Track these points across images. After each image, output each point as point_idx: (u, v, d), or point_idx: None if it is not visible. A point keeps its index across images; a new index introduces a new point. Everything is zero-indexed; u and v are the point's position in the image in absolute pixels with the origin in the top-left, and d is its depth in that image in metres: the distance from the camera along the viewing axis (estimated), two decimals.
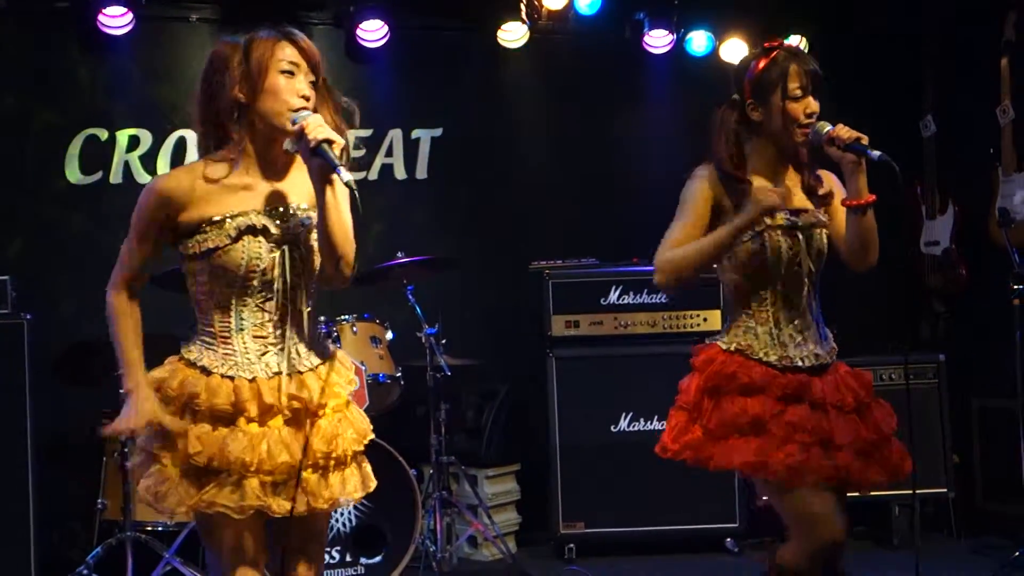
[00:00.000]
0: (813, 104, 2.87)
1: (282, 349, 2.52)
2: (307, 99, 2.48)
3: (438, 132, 5.79)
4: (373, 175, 5.64)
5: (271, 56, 2.47)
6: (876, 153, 2.78)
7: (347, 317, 4.75)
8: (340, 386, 2.58)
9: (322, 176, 2.40)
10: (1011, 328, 4.73)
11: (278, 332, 2.53)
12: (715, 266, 2.98)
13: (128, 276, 2.55)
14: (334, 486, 2.51)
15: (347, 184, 2.35)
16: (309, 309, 2.58)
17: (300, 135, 2.41)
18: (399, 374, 4.83)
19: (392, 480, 4.49)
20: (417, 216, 5.72)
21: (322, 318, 4.72)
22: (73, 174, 5.24)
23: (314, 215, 2.51)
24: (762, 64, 2.89)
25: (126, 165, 5.28)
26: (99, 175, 5.28)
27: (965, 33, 5.69)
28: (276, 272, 2.50)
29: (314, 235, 2.52)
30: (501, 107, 5.92)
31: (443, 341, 4.89)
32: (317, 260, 2.55)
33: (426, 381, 4.86)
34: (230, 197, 2.50)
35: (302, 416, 2.50)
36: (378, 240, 5.41)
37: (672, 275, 2.87)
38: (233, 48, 2.50)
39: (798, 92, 2.86)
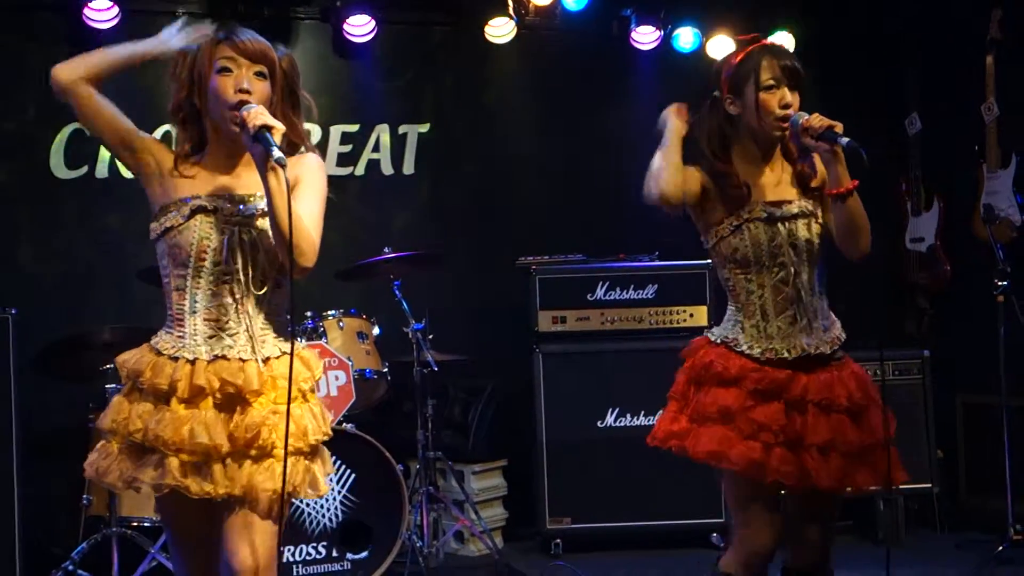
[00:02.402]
0: (788, 95, 2.88)
1: (229, 334, 2.56)
2: (246, 92, 2.53)
3: (425, 128, 5.79)
4: (360, 170, 5.64)
5: (208, 59, 2.58)
6: (845, 140, 2.78)
7: (334, 312, 4.75)
8: (287, 380, 2.54)
9: (265, 162, 2.44)
10: (995, 324, 4.76)
11: (228, 316, 2.57)
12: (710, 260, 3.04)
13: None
14: (254, 475, 2.50)
15: (277, 161, 2.40)
16: (262, 294, 2.59)
17: (243, 125, 2.47)
18: (386, 369, 4.83)
19: (379, 475, 4.50)
20: (404, 212, 5.72)
21: (308, 313, 4.72)
22: (59, 168, 5.23)
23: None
24: (738, 59, 2.94)
25: (111, 159, 5.25)
26: (84, 169, 5.26)
27: (950, 31, 5.71)
28: (224, 253, 2.55)
29: (265, 221, 2.56)
30: (488, 103, 5.92)
31: (430, 336, 4.90)
32: (272, 246, 2.57)
33: (413, 376, 4.86)
34: (192, 183, 2.60)
35: (234, 402, 2.54)
36: (365, 235, 5.41)
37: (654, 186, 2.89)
38: (183, 55, 2.64)
39: (770, 83, 2.87)
